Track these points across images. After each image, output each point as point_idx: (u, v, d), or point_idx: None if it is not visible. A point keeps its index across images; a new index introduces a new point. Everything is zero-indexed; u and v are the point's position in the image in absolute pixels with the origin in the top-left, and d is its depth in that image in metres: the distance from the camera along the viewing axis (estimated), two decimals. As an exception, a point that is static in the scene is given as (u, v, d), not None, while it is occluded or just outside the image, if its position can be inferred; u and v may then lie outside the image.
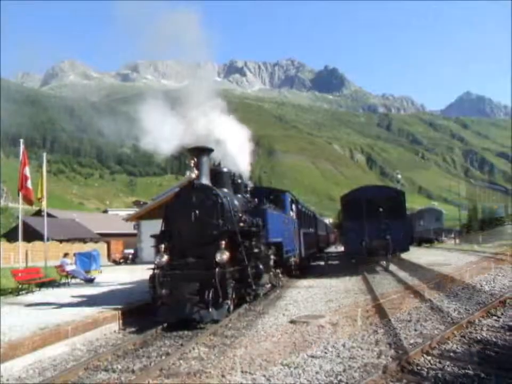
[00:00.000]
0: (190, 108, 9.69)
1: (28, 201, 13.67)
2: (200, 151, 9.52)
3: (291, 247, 13.62)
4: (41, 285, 13.46)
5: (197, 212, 8.66)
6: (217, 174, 10.30)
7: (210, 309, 7.68)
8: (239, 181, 11.36)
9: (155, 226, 9.98)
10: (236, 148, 11.16)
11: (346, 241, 17.95)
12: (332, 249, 43.63)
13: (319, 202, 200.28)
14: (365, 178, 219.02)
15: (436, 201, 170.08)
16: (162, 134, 9.31)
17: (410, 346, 5.83)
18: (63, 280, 14.96)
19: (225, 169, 10.69)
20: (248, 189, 12.02)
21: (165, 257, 8.58)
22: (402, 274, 15.79)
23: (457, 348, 5.86)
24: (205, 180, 9.43)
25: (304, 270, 18.23)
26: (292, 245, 13.92)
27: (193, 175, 8.93)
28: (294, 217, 15.46)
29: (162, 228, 9.22)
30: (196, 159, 9.17)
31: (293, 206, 15.84)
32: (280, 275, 12.54)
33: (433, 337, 6.17)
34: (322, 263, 22.96)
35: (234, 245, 8.69)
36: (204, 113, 9.90)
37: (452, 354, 5.59)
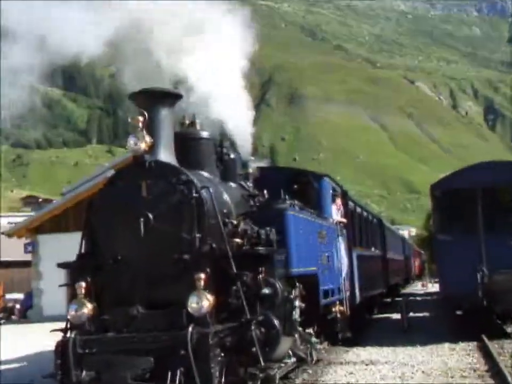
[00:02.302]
0: None
1: None
2: (155, 99, 9.51)
3: (334, 284, 13.76)
4: None
5: (151, 216, 8.78)
6: (189, 143, 10.40)
7: (176, 410, 7.77)
8: (232, 156, 11.45)
9: (67, 246, 10.28)
10: (227, 88, 11.24)
11: (444, 273, 18.06)
12: (416, 288, 43.40)
13: (389, 197, 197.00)
14: (480, 149, 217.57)
15: None
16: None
17: None
18: None
19: (204, 133, 10.77)
20: (250, 171, 12.17)
21: (88, 307, 8.69)
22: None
23: None
24: (166, 154, 9.46)
25: (361, 329, 18.38)
26: (336, 279, 14.07)
27: (142, 146, 8.92)
28: (340, 225, 15.64)
29: (83, 250, 9.48)
30: (146, 115, 9.09)
31: (338, 204, 16.00)
32: (315, 339, 12.51)
33: None
34: (396, 316, 22.98)
35: (224, 280, 8.77)
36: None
37: None
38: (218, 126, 11.34)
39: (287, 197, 11.70)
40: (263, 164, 14.86)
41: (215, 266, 8.82)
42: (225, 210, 9.72)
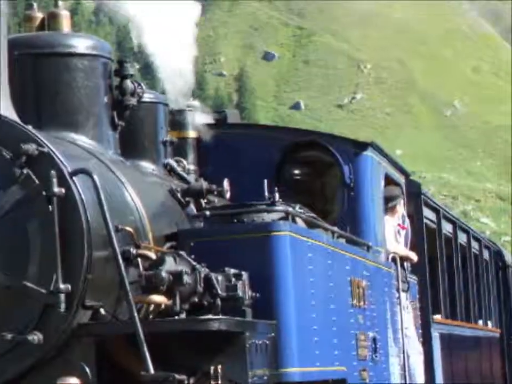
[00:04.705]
0: None
1: None
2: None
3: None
4: None
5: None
6: (44, 68, 7.22)
7: None
8: (149, 98, 8.12)
9: None
10: None
11: None
12: None
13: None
14: None
15: None
16: None
17: None
18: None
19: (82, 42, 7.29)
20: (191, 135, 8.90)
21: None
22: None
23: None
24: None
25: None
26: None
27: None
28: (404, 265, 11.00)
29: None
30: None
31: (398, 214, 11.12)
32: None
33: None
34: None
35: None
36: None
37: None
38: (114, 24, 9.05)
39: (277, 195, 7.75)
40: (221, 117, 10.40)
41: (105, 361, 6.17)
42: (128, 228, 6.44)
